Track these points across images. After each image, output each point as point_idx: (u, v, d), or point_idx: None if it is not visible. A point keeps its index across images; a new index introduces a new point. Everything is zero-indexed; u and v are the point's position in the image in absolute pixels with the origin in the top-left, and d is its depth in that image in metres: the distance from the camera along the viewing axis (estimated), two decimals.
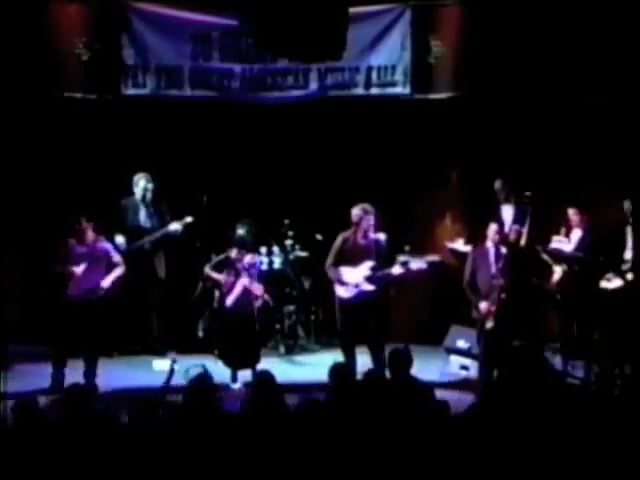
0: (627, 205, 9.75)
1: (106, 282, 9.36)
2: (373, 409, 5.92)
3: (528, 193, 10.18)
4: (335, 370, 6.46)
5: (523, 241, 10.23)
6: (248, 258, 9.62)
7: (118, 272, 9.49)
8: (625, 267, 9.54)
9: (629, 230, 9.70)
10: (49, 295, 9.64)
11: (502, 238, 9.44)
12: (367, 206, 9.31)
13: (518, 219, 10.41)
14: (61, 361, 9.29)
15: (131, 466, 5.33)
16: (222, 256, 9.75)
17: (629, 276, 9.45)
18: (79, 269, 9.22)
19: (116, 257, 9.53)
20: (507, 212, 10.67)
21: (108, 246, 9.53)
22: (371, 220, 9.28)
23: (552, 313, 10.36)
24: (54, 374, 9.23)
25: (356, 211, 9.32)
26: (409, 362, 6.72)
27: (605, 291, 9.47)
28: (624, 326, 9.30)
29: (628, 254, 9.62)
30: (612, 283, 9.48)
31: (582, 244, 9.92)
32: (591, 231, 9.93)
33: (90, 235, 9.34)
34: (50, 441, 5.43)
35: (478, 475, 5.26)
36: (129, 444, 5.47)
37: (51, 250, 9.50)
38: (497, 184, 10.80)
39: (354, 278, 9.27)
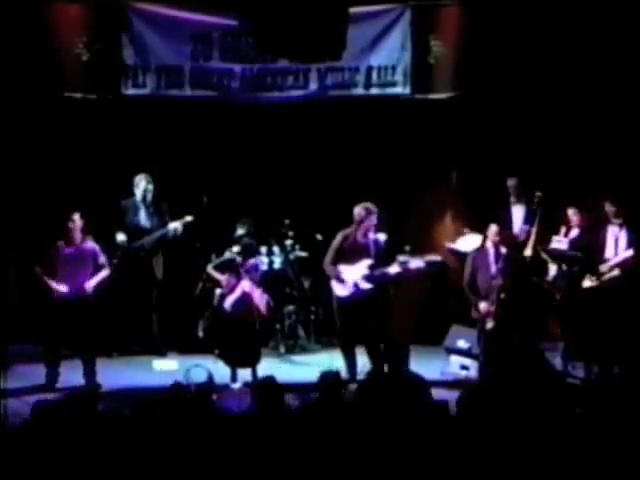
0: (608, 206, 9.69)
1: (91, 284, 9.33)
2: (373, 409, 5.92)
3: (539, 193, 10.15)
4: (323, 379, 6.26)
5: (532, 242, 10.19)
6: (250, 261, 9.65)
7: (103, 274, 9.47)
8: (605, 266, 9.56)
9: (610, 229, 9.69)
10: (41, 294, 9.63)
11: (511, 238, 9.41)
12: (370, 205, 9.30)
13: (528, 219, 10.39)
14: (53, 361, 9.31)
15: (131, 466, 5.33)
16: (227, 257, 9.76)
17: (607, 276, 9.52)
18: (56, 280, 9.19)
19: (102, 259, 9.49)
20: (518, 212, 10.65)
21: (95, 246, 9.48)
22: (373, 220, 9.28)
23: (552, 313, 10.36)
24: (47, 373, 9.28)
25: (359, 210, 9.32)
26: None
27: (591, 290, 9.54)
28: (616, 324, 9.32)
29: (609, 253, 9.63)
30: (588, 282, 9.55)
31: (577, 242, 9.92)
32: (588, 230, 9.92)
33: (78, 235, 9.33)
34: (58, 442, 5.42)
35: (478, 475, 5.26)
36: (130, 444, 5.47)
37: (39, 252, 9.50)
38: (511, 181, 10.71)
39: (352, 276, 9.27)
